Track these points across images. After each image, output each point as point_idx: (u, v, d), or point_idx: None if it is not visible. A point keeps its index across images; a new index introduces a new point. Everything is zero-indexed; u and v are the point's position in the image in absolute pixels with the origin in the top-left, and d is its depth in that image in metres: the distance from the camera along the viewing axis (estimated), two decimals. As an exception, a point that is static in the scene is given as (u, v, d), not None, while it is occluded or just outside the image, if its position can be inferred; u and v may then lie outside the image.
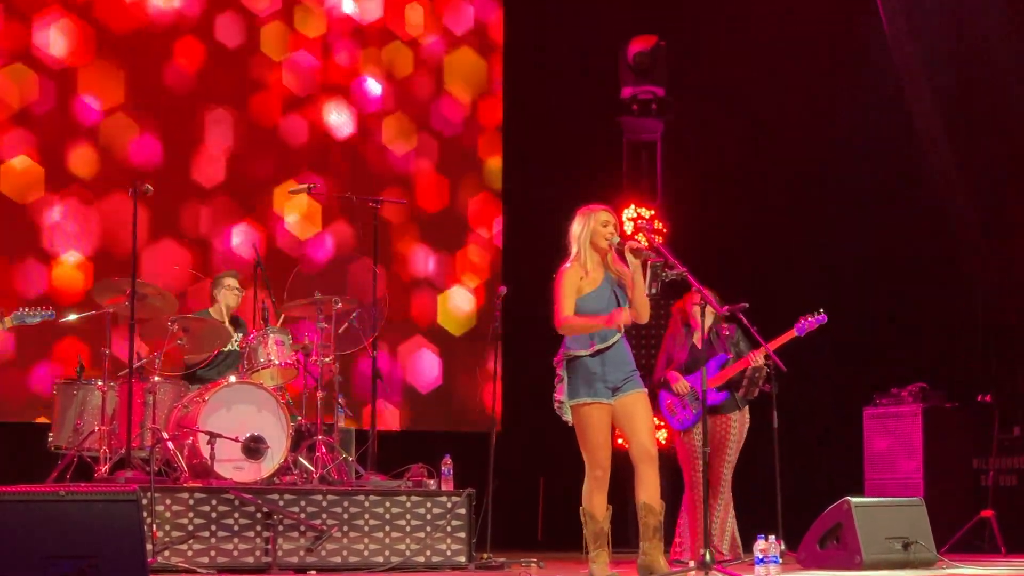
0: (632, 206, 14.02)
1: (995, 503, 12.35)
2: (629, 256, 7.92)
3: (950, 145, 13.38)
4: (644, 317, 8.00)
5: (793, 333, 9.97)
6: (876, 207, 13.85)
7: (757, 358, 9.81)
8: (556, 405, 8.00)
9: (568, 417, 7.94)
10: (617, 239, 7.95)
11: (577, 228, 8.05)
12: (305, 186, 10.86)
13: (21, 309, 9.81)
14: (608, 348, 7.92)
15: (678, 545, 9.96)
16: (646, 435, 7.94)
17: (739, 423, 10.01)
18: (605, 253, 8.02)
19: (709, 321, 9.92)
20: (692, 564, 7.96)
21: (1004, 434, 12.86)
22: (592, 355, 7.91)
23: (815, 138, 13.95)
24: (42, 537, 5.26)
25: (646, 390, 8.06)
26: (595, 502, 8.01)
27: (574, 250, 8.04)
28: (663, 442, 13.26)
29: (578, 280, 7.96)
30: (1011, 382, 13.29)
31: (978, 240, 13.55)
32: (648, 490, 7.93)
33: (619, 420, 7.97)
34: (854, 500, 9.56)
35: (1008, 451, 12.86)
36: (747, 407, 10.11)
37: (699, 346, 9.97)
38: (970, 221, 13.54)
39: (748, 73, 14.14)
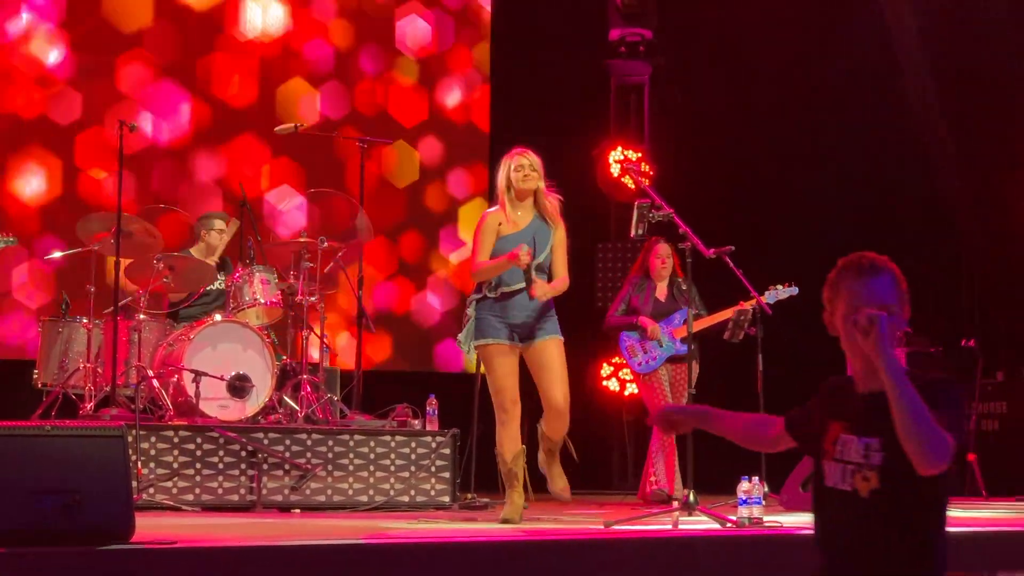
0: (619, 148, 14.00)
1: (977, 447, 12.41)
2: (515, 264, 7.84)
3: (935, 91, 13.40)
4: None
5: (763, 299, 9.95)
6: (862, 152, 13.84)
7: (726, 313, 9.92)
8: (458, 343, 8.08)
9: (471, 357, 8.04)
10: (532, 183, 7.91)
11: (499, 174, 8.05)
12: (292, 125, 10.80)
13: None
14: (516, 292, 7.87)
15: (650, 485, 10.03)
16: (557, 387, 7.93)
17: (695, 372, 10.04)
18: (524, 195, 7.96)
19: (666, 274, 10.10)
20: (676, 504, 7.98)
21: (987, 379, 12.92)
22: (497, 298, 7.89)
23: (803, 82, 13.93)
24: (26, 472, 5.25)
25: (561, 337, 7.98)
26: (504, 444, 8.00)
27: (500, 196, 8.04)
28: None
29: (496, 225, 7.93)
30: (995, 327, 13.35)
31: (961, 187, 13.59)
32: (550, 427, 8.03)
33: (531, 368, 7.97)
34: (836, 443, 9.58)
35: (991, 396, 12.93)
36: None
37: (661, 299, 10.15)
38: (953, 168, 13.57)
39: (737, 16, 14.08)
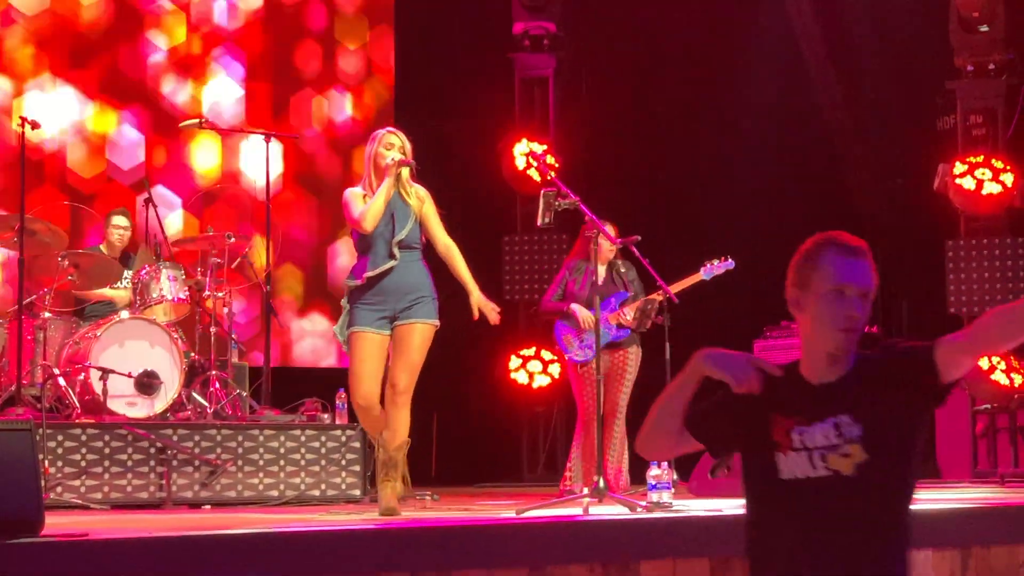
0: (524, 141, 14.03)
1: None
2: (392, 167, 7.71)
3: (837, 76, 13.57)
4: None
5: (699, 276, 9.97)
6: (767, 141, 13.97)
7: (658, 295, 9.80)
8: (334, 335, 7.99)
9: (347, 347, 7.78)
10: (389, 159, 7.69)
11: (366, 153, 7.86)
12: (196, 120, 10.76)
13: None
14: (379, 276, 7.69)
15: (568, 479, 9.96)
16: (401, 371, 7.65)
17: (635, 357, 10.04)
18: (387, 173, 7.68)
19: (611, 256, 9.95)
20: (586, 491, 8.02)
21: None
22: (364, 285, 7.70)
23: (707, 73, 14.03)
24: (-67, 468, 5.20)
25: (429, 321, 7.74)
26: (369, 431, 7.95)
27: (365, 175, 7.85)
28: (555, 376, 13.40)
29: (361, 200, 7.73)
30: (898, 316, 13.52)
31: (866, 173, 13.77)
32: (389, 428, 7.72)
33: (391, 350, 7.74)
34: (744, 429, 9.68)
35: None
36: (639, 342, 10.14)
37: (599, 282, 10.01)
38: (860, 157, 13.75)
39: (640, 10, 14.18)
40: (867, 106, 13.83)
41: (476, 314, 7.83)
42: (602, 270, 9.99)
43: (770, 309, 13.40)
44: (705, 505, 8.12)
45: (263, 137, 10.74)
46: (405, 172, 7.79)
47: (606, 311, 9.75)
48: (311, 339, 13.65)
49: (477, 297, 7.86)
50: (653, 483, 7.63)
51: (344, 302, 7.84)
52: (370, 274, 7.69)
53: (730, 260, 10.03)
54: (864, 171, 13.86)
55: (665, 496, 7.61)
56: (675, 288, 9.69)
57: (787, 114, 13.92)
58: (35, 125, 9.71)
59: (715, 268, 10.01)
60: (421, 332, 7.72)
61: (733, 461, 9.27)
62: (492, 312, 7.89)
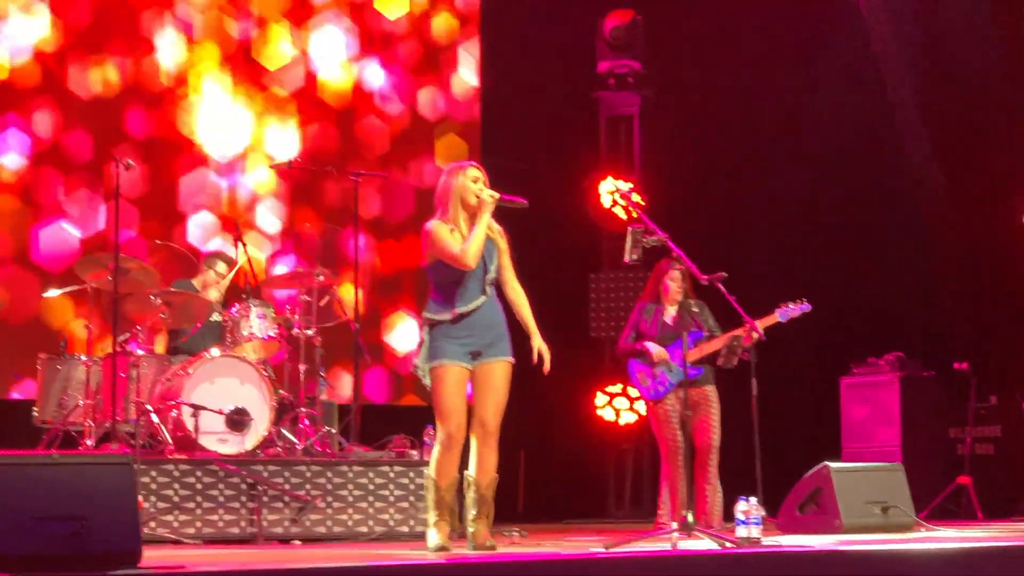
0: (610, 179, 14.10)
1: (972, 470, 12.47)
2: (490, 204, 7.66)
3: (921, 116, 13.53)
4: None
5: (775, 318, 9.96)
6: (851, 179, 13.97)
7: (736, 332, 9.80)
8: (413, 368, 7.82)
9: (427, 381, 7.70)
10: (487, 194, 7.66)
11: (447, 184, 7.78)
12: (286, 160, 10.90)
13: None
14: (471, 312, 7.66)
15: (660, 517, 9.98)
16: (491, 410, 7.67)
17: (714, 394, 10.06)
18: (475, 210, 7.68)
19: (679, 297, 9.98)
20: (674, 526, 8.02)
21: (981, 403, 12.98)
22: (453, 320, 7.66)
23: (790, 112, 14.05)
24: (34, 500, 5.31)
25: (511, 359, 7.74)
26: (441, 469, 7.72)
27: (444, 207, 7.76)
28: (642, 413, 13.40)
29: (450, 233, 7.67)
30: (988, 351, 13.41)
31: (950, 210, 13.69)
32: (478, 467, 7.71)
33: (474, 386, 7.71)
34: (833, 465, 9.67)
35: (984, 420, 12.98)
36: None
37: (670, 323, 10.04)
38: (944, 194, 13.68)
39: (724, 47, 14.22)
40: (950, 141, 13.76)
41: (536, 358, 7.81)
42: (672, 310, 10.04)
43: (856, 346, 13.44)
44: (793, 541, 8.11)
45: (353, 178, 10.87)
46: (486, 195, 7.75)
47: (680, 349, 9.75)
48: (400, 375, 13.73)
49: (539, 342, 7.83)
50: (742, 518, 7.63)
51: (424, 334, 7.78)
52: (462, 309, 7.67)
53: (806, 303, 10.01)
54: (951, 210, 13.78)
55: (754, 531, 7.61)
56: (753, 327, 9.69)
57: (871, 151, 13.90)
58: (129, 167, 9.86)
59: (791, 310, 10.00)
60: (506, 370, 7.75)
61: (822, 493, 9.24)
62: (547, 362, 7.85)
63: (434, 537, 7.74)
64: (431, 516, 7.80)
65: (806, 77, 14.00)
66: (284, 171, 10.88)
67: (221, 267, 11.11)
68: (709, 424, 9.96)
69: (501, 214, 7.83)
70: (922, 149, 13.70)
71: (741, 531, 7.59)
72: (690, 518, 7.80)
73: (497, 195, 7.69)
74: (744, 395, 9.82)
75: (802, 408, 13.60)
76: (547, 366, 7.81)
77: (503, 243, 7.85)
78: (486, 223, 7.67)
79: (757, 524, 7.62)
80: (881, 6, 13.62)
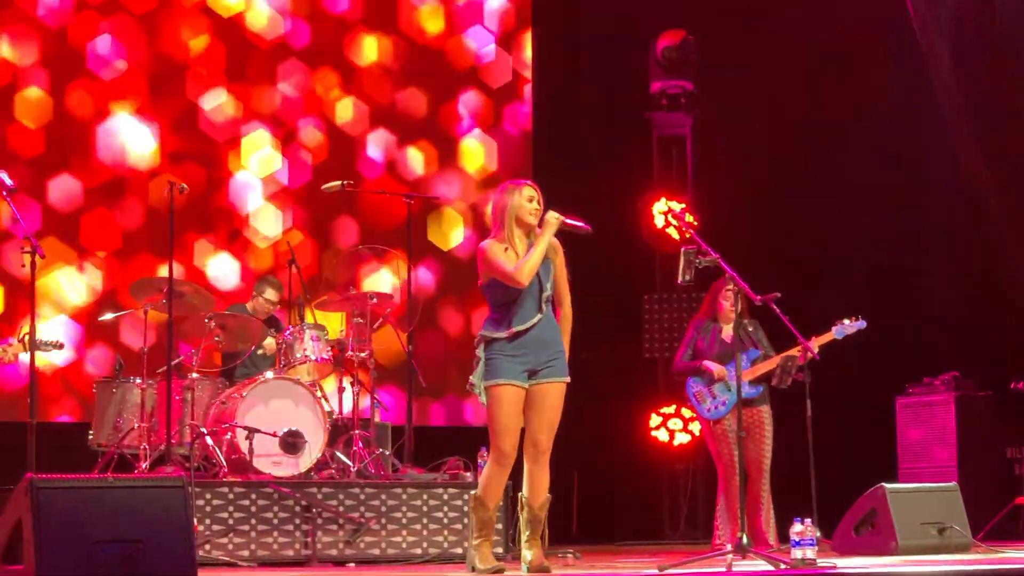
0: (663, 199, 14.10)
1: (1029, 492, 12.39)
2: (554, 225, 7.69)
3: (978, 134, 13.44)
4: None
5: (831, 335, 9.95)
6: (907, 197, 13.91)
7: (792, 351, 9.78)
8: (468, 386, 7.78)
9: (483, 399, 7.70)
10: (552, 215, 7.67)
11: (502, 203, 7.79)
12: (339, 183, 10.94)
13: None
14: (527, 330, 7.65)
15: (717, 538, 9.95)
16: (543, 430, 7.67)
17: (768, 415, 10.04)
18: (530, 229, 7.74)
19: (733, 316, 9.94)
20: (729, 547, 7.99)
21: (1038, 424, 12.90)
22: (510, 338, 7.66)
23: (844, 130, 14.01)
24: (91, 523, 5.36)
25: (567, 380, 7.74)
26: (490, 489, 7.76)
27: (499, 226, 7.78)
28: (696, 433, 13.36)
29: (504, 253, 7.69)
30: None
31: (1008, 228, 13.60)
32: (530, 486, 7.72)
33: (527, 405, 7.69)
34: (889, 486, 9.62)
35: (1041, 440, 12.89)
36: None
37: (727, 341, 10.02)
38: (999, 209, 13.58)
39: (776, 66, 14.20)
40: (1009, 161, 13.68)
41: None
42: (728, 329, 10.03)
43: (910, 366, 13.36)
44: (849, 562, 8.07)
45: (405, 200, 10.91)
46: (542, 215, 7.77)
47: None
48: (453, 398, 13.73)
49: None
50: (796, 540, 7.60)
51: (480, 351, 7.77)
52: (518, 328, 7.66)
53: (862, 320, 10.00)
54: (1006, 226, 13.68)
55: (808, 552, 7.57)
56: (809, 345, 9.66)
57: (925, 171, 13.83)
58: (182, 190, 9.92)
59: (847, 328, 9.99)
60: (561, 391, 7.74)
61: (878, 514, 9.18)
62: None
63: (476, 559, 7.76)
64: (474, 538, 7.81)
65: (857, 90, 13.96)
66: (337, 193, 10.91)
67: (270, 293, 11.16)
68: (761, 448, 9.94)
69: (560, 236, 7.82)
70: (977, 165, 13.62)
71: (796, 552, 7.55)
72: (745, 539, 7.77)
73: (561, 217, 7.69)
74: (799, 416, 9.79)
75: (857, 428, 13.52)
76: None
77: (560, 261, 7.84)
78: (546, 243, 7.67)
79: (812, 545, 7.59)
80: (931, 12, 13.54)
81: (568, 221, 7.74)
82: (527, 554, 7.71)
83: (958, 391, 12.92)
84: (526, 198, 7.77)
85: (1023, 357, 13.45)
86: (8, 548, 5.98)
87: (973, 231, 13.78)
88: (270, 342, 10.78)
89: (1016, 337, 13.67)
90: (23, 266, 8.14)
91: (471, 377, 7.82)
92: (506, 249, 7.72)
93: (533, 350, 7.68)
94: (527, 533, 7.74)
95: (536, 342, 7.69)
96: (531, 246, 7.70)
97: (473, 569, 7.81)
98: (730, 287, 9.42)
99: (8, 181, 8.32)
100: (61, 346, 9.63)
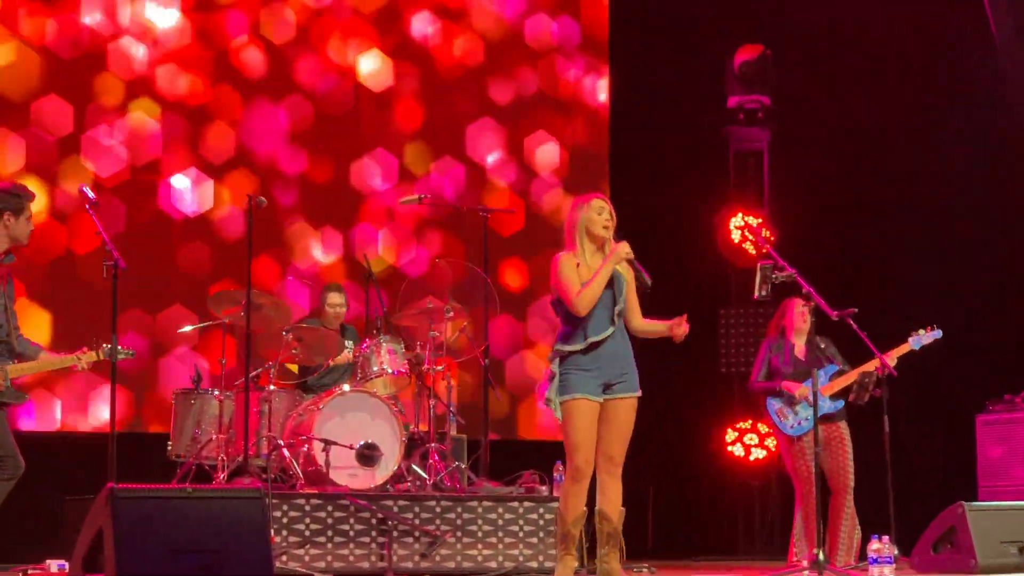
0: (740, 214, 14.07)
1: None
2: (621, 258, 7.71)
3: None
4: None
5: (908, 346, 9.87)
6: (985, 211, 13.81)
7: (870, 365, 9.70)
8: (544, 402, 7.76)
9: (559, 414, 7.68)
10: (625, 251, 7.67)
11: (573, 218, 7.80)
12: (416, 196, 10.99)
13: (108, 346, 8.62)
14: (601, 342, 7.64)
15: (794, 555, 9.88)
16: (617, 444, 7.67)
17: (847, 431, 9.97)
18: (603, 242, 7.74)
19: (807, 331, 9.88)
20: (805, 564, 7.95)
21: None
22: (584, 351, 7.64)
23: (921, 145, 13.94)
24: (169, 532, 5.41)
25: (639, 394, 7.74)
26: (569, 503, 7.72)
27: (571, 241, 7.78)
28: (772, 449, 13.30)
29: (575, 267, 7.70)
30: None
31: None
32: (605, 498, 7.70)
33: (601, 419, 7.68)
34: (968, 504, 9.53)
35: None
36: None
37: (801, 357, 9.95)
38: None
39: (853, 81, 14.15)
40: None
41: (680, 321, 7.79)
42: (801, 344, 9.95)
43: (989, 382, 13.25)
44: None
45: (482, 213, 10.95)
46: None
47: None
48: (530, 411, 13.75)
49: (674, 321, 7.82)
50: (874, 557, 7.55)
51: (555, 366, 7.75)
52: (593, 339, 7.65)
53: (938, 330, 9.91)
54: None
55: (886, 571, 7.54)
56: (886, 358, 9.58)
57: (999, 182, 13.73)
58: (260, 204, 9.98)
59: (923, 338, 9.90)
60: (633, 406, 7.74)
61: (957, 532, 9.10)
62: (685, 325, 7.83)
63: (559, 571, 7.76)
64: (558, 551, 7.81)
65: (936, 110, 13.88)
66: (414, 207, 10.97)
67: (333, 298, 11.18)
68: (845, 463, 9.85)
69: (638, 250, 7.81)
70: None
71: (873, 570, 7.51)
72: (821, 556, 7.73)
73: (630, 253, 7.68)
74: (877, 432, 9.72)
75: (936, 446, 13.43)
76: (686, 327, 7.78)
77: (629, 274, 7.83)
78: (608, 273, 7.67)
79: (889, 563, 7.56)
80: (1011, 24, 13.46)
81: (636, 261, 7.72)
82: (604, 567, 7.70)
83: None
84: (595, 211, 7.78)
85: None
86: (89, 557, 6.06)
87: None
88: (346, 352, 10.83)
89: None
90: (104, 277, 8.21)
91: (547, 392, 7.80)
92: (578, 265, 7.72)
93: (607, 363, 7.68)
94: (605, 548, 7.74)
95: (609, 355, 7.69)
96: (604, 261, 7.71)
97: None
98: (804, 303, 9.36)
99: (91, 195, 8.42)
100: (135, 355, 9.70)
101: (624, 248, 7.69)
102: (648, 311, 7.90)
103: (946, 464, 13.26)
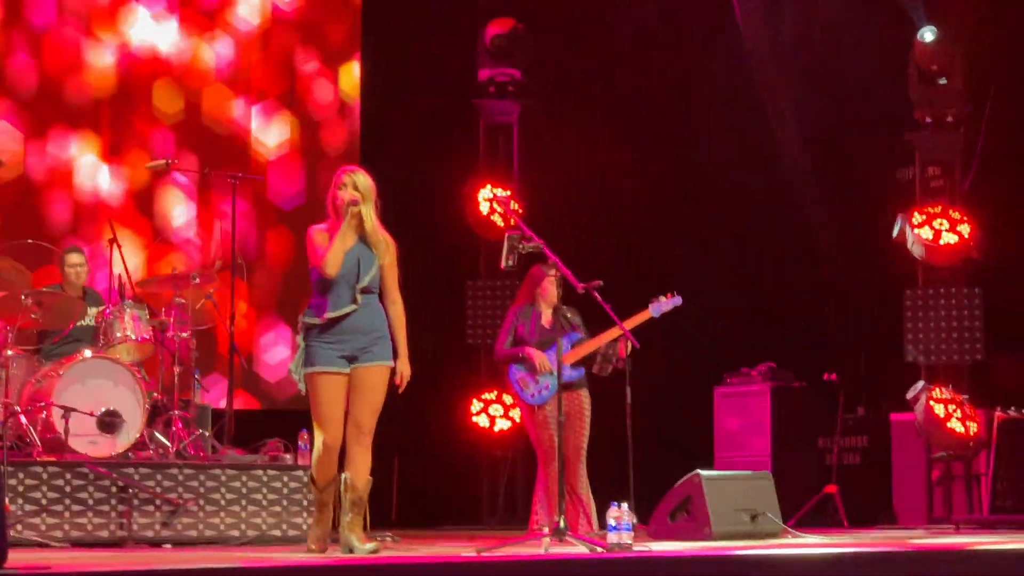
0: (488, 186, 14.15)
1: (838, 479, 12.70)
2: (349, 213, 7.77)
3: (797, 126, 13.75)
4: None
5: (648, 314, 9.98)
6: (727, 190, 14.14)
7: (612, 333, 9.80)
8: (289, 372, 7.91)
9: (302, 386, 7.80)
10: (348, 204, 7.73)
11: (329, 194, 7.89)
12: (163, 161, 10.82)
13: None
14: (340, 318, 7.73)
15: (536, 523, 9.96)
16: (366, 413, 7.76)
17: (587, 399, 10.04)
18: (342, 215, 7.75)
19: (556, 300, 9.94)
20: (546, 531, 8.07)
21: (848, 414, 13.23)
22: (323, 326, 7.74)
23: (669, 120, 14.21)
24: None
25: (388, 363, 7.82)
26: (319, 470, 7.87)
27: (328, 213, 7.90)
28: (516, 420, 13.44)
29: (326, 238, 7.79)
30: (855, 364, 13.64)
31: (826, 221, 13.92)
32: (353, 468, 7.79)
33: (350, 388, 7.77)
34: (704, 473, 9.78)
35: (852, 430, 13.25)
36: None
37: (547, 326, 10.02)
38: (819, 204, 13.89)
39: (605, 57, 14.35)
40: (827, 155, 14.00)
41: (398, 379, 7.86)
42: (548, 314, 9.99)
43: (728, 355, 13.61)
44: (664, 547, 8.19)
45: (231, 180, 10.83)
46: (369, 220, 7.81)
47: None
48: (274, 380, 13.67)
49: (403, 366, 7.89)
50: (613, 524, 7.69)
51: (300, 339, 7.85)
52: (331, 315, 7.73)
53: (678, 296, 9.96)
54: (823, 220, 14.00)
55: (624, 537, 7.67)
56: (627, 326, 9.67)
57: (746, 161, 14.08)
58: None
59: (663, 305, 9.96)
60: (382, 373, 7.80)
61: (693, 501, 9.32)
62: (403, 386, 7.91)
63: (312, 535, 7.95)
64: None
65: (685, 86, 14.18)
66: (161, 171, 10.80)
67: (73, 258, 10.89)
68: (581, 431, 9.95)
69: (386, 221, 7.86)
70: (796, 157, 13.93)
71: (612, 537, 7.65)
72: (562, 523, 7.85)
73: (357, 206, 7.71)
74: (619, 402, 9.87)
75: (676, 416, 13.73)
76: (402, 389, 7.89)
77: (388, 255, 7.87)
78: (344, 232, 7.74)
79: (628, 530, 7.69)
80: (760, 23, 13.81)
81: (350, 198, 7.74)
82: (347, 535, 7.74)
83: (774, 381, 13.21)
84: (339, 186, 7.84)
85: (837, 349, 13.79)
86: None
87: (792, 228, 14.05)
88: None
89: (831, 330, 14.00)
90: None
91: (290, 364, 7.91)
92: (330, 237, 7.77)
93: (350, 337, 7.76)
94: (349, 515, 7.77)
95: (352, 329, 7.76)
96: (370, 242, 7.79)
97: (309, 550, 7.97)
98: (553, 272, 9.43)
99: None
100: None
101: (348, 201, 7.71)
102: (400, 283, 7.93)
103: (685, 434, 13.57)
